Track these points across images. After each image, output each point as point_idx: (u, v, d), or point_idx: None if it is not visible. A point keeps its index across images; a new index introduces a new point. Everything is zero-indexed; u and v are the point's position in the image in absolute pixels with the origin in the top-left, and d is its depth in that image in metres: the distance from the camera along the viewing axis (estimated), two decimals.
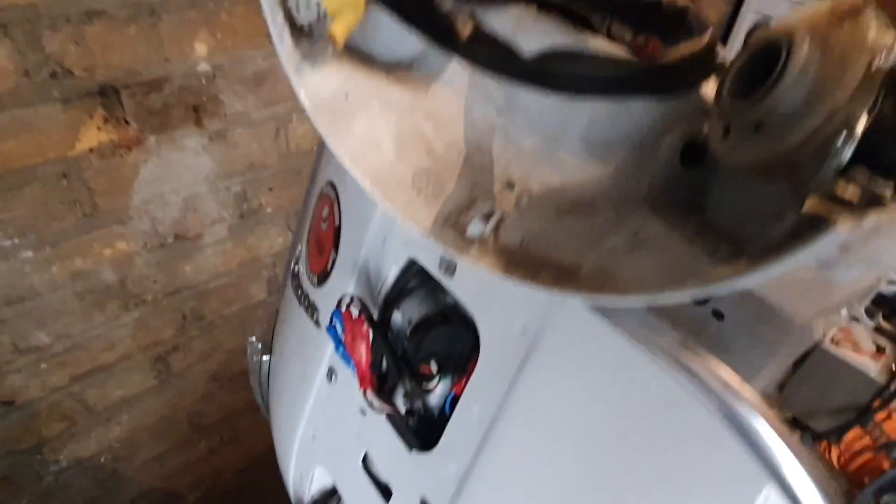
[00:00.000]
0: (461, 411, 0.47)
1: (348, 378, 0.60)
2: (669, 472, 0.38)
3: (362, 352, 0.50)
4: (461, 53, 0.42)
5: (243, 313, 1.44)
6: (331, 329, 0.54)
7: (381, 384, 0.50)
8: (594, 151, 0.42)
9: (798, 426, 0.36)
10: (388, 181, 0.43)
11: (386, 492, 0.58)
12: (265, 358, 0.82)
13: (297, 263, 0.73)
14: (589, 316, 0.40)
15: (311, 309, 0.65)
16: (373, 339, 0.49)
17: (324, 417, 0.64)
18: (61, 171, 0.98)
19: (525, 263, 0.39)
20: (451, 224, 0.42)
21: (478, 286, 0.48)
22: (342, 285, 0.60)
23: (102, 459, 1.35)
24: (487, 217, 0.40)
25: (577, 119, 0.41)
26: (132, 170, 1.07)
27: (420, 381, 0.49)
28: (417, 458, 0.52)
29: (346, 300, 0.53)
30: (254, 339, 0.84)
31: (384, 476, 0.57)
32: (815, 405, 0.38)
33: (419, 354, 0.49)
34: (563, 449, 0.42)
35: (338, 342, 0.53)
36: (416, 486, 0.52)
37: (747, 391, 0.35)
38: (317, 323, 0.64)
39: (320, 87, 0.42)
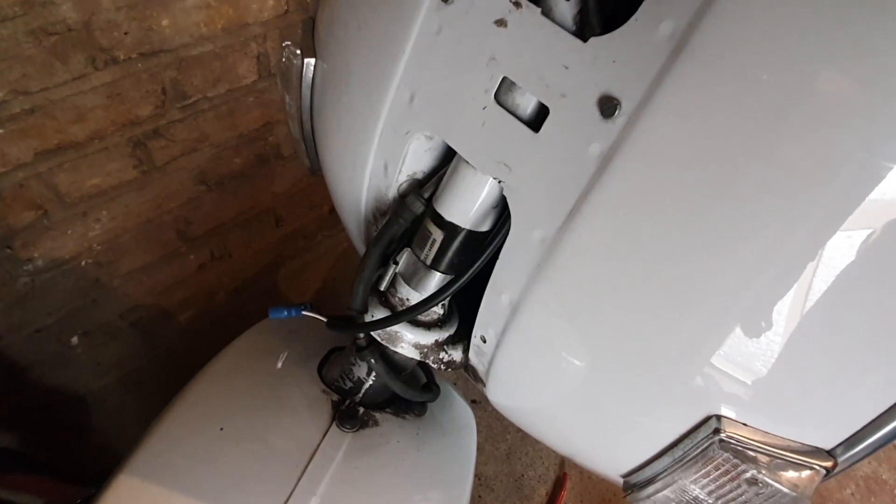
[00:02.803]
0: None
1: None
2: None
3: None
4: None
5: (231, 100, 1.24)
6: None
7: None
8: None
9: None
10: None
11: (533, 121, 0.46)
12: (309, 61, 0.66)
13: None
14: None
15: None
16: None
17: (430, 61, 0.50)
18: None
19: None
20: None
21: None
22: None
23: (83, 263, 1.19)
24: None
25: None
26: None
27: None
28: (597, 45, 0.40)
29: None
30: (290, 42, 0.67)
31: (534, 94, 0.45)
32: None
33: None
34: None
35: None
36: (591, 85, 0.41)
37: None
38: None
39: None
